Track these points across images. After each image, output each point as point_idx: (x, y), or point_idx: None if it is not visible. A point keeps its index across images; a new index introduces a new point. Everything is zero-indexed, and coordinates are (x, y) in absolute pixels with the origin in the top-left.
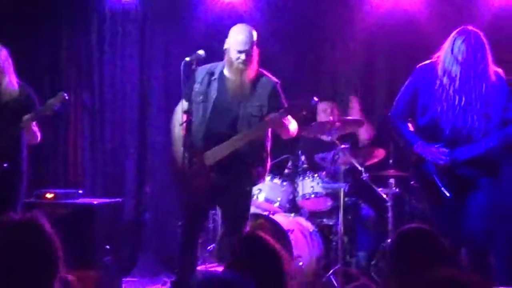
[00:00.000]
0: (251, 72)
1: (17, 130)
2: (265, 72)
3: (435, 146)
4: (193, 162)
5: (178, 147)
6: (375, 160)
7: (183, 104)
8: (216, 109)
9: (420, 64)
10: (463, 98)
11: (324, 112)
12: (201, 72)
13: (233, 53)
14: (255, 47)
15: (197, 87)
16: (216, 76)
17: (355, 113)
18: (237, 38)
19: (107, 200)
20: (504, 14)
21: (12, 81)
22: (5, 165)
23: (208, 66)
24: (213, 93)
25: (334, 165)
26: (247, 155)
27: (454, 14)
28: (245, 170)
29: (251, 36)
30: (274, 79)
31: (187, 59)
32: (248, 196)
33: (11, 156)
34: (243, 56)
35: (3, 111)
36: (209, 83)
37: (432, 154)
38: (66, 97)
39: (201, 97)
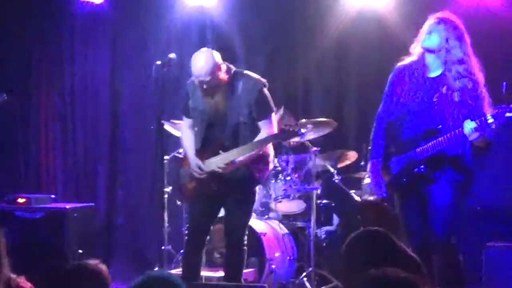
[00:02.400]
0: (222, 83)
1: None
2: (247, 73)
3: (381, 179)
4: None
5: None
6: (347, 162)
7: (186, 121)
8: (208, 120)
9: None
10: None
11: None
12: (190, 86)
13: (196, 79)
14: (217, 69)
15: (191, 103)
16: (198, 90)
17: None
18: (194, 67)
19: (80, 205)
20: (474, 16)
21: None
22: None
23: (194, 79)
24: (202, 106)
25: (298, 170)
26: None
27: (425, 16)
28: (247, 170)
29: (207, 63)
30: (260, 80)
31: (159, 62)
32: (251, 195)
33: None
34: (204, 84)
35: None
36: (198, 97)
37: (373, 183)
38: (5, 98)
39: (196, 112)
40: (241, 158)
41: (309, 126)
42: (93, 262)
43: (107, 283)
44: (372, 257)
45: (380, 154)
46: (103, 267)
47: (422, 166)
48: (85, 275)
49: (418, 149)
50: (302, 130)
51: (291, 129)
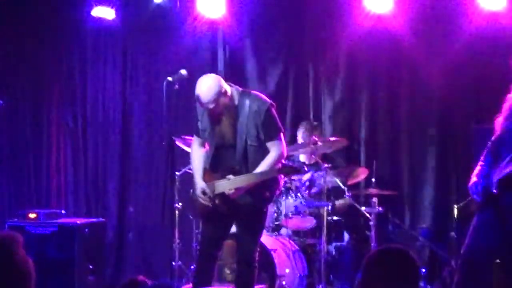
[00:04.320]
0: (228, 108)
1: None
2: (254, 93)
3: None
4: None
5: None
6: (358, 179)
7: (196, 140)
8: (217, 143)
9: None
10: None
11: (307, 130)
12: (199, 109)
13: (200, 105)
14: (221, 95)
15: (200, 124)
16: (207, 113)
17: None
18: (198, 95)
19: (90, 220)
20: (485, 34)
21: None
22: None
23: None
24: (210, 129)
25: (309, 189)
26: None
27: (437, 33)
28: (257, 190)
29: (211, 90)
30: (266, 101)
31: (169, 78)
32: (262, 213)
33: None
34: (210, 108)
35: None
36: (206, 120)
37: None
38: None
39: (205, 134)
40: (248, 185)
41: (320, 144)
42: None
43: None
44: (392, 275)
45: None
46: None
47: None
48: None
49: None
50: (305, 168)
51: (294, 166)
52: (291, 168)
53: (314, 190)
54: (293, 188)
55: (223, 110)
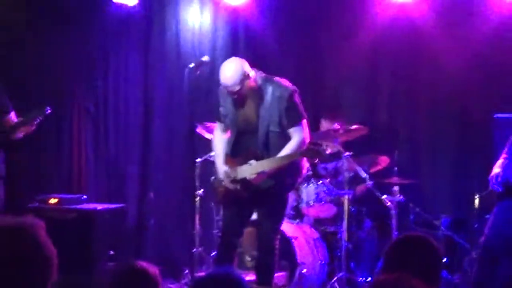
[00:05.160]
0: (252, 91)
1: None
2: (277, 79)
3: None
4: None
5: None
6: (379, 167)
7: (218, 125)
8: (240, 128)
9: None
10: None
11: (329, 118)
12: (222, 93)
13: (224, 89)
14: (245, 78)
15: (222, 110)
16: (230, 98)
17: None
18: (223, 77)
19: (111, 206)
20: (508, 24)
21: None
22: None
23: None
24: (233, 114)
25: (336, 177)
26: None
27: (459, 22)
28: (279, 177)
29: (236, 73)
30: (289, 87)
31: (191, 65)
32: (283, 199)
33: None
34: (233, 94)
35: None
36: (229, 105)
37: None
38: (48, 111)
39: (227, 119)
40: (271, 169)
41: (341, 131)
42: (144, 264)
43: (158, 285)
44: (413, 262)
45: None
46: (155, 269)
47: None
48: (137, 276)
49: None
50: (328, 151)
51: (317, 149)
52: (314, 151)
53: (339, 178)
54: (318, 175)
55: (248, 93)
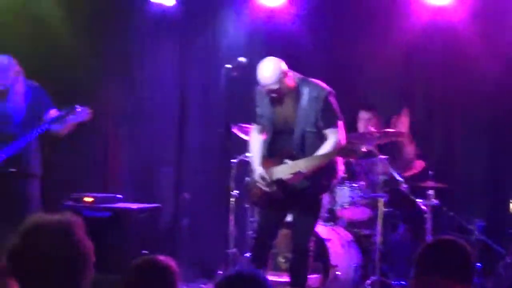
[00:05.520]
0: (289, 91)
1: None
2: (313, 81)
3: None
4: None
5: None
6: (415, 171)
7: (255, 127)
8: (276, 128)
9: None
10: None
11: (364, 121)
12: (258, 94)
13: (263, 88)
14: (283, 76)
15: (258, 110)
16: (267, 99)
17: (403, 126)
18: (261, 76)
19: (145, 206)
20: None
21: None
22: (12, 169)
23: (261, 88)
24: (270, 114)
25: (368, 174)
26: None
27: (495, 26)
28: (315, 178)
29: (275, 71)
30: (326, 88)
31: (228, 66)
32: (318, 202)
33: (19, 160)
34: (271, 92)
35: (13, 118)
36: (266, 105)
37: None
38: (78, 109)
39: (264, 120)
40: (307, 169)
41: (377, 135)
42: (162, 257)
43: (175, 278)
44: (445, 266)
45: None
46: (172, 262)
47: None
48: (154, 269)
49: None
50: (363, 149)
51: (352, 148)
52: (350, 149)
53: (371, 176)
54: (353, 177)
55: (286, 92)
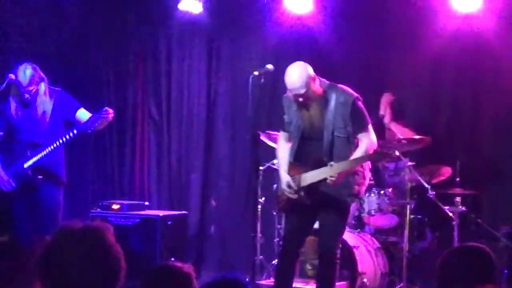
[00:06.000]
0: (317, 96)
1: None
2: (340, 86)
3: None
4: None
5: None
6: (442, 178)
7: (282, 134)
8: (304, 134)
9: None
10: None
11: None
12: (286, 101)
13: (290, 92)
14: (311, 81)
15: (286, 118)
16: (294, 105)
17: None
18: (288, 81)
19: (173, 213)
20: None
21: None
22: (39, 176)
23: (289, 93)
24: (297, 121)
25: (395, 181)
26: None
27: None
28: (343, 185)
29: (302, 75)
30: (352, 94)
31: (256, 73)
32: (346, 209)
33: (46, 168)
34: (299, 97)
35: (39, 125)
36: (293, 112)
37: None
38: (106, 111)
39: (291, 127)
40: (344, 172)
41: (404, 142)
42: (179, 263)
43: (193, 284)
44: (468, 272)
45: None
46: (190, 269)
47: None
48: (172, 275)
49: None
50: (396, 153)
51: (386, 152)
52: (383, 153)
53: (398, 183)
54: (379, 179)
55: (313, 97)
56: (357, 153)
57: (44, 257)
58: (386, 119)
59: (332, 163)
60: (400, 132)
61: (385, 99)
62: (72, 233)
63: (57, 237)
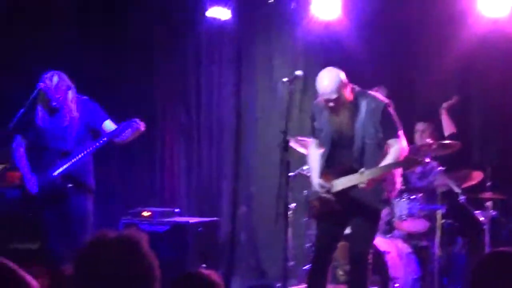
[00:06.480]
0: (348, 102)
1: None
2: (371, 93)
3: None
4: (323, 191)
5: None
6: (472, 182)
7: (313, 141)
8: (334, 140)
9: None
10: None
11: (421, 132)
12: (316, 108)
13: (322, 98)
14: (342, 86)
15: (316, 124)
16: (325, 111)
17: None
18: (320, 86)
19: (203, 219)
20: None
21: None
22: (69, 185)
23: (319, 99)
24: (328, 126)
25: (422, 178)
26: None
27: None
28: (374, 191)
29: (334, 81)
30: (383, 100)
31: (285, 79)
32: (377, 215)
33: (75, 176)
34: (330, 102)
35: (67, 133)
36: (324, 118)
37: None
38: (135, 123)
39: (321, 133)
40: (368, 180)
41: (434, 147)
42: (206, 271)
43: None
44: (502, 279)
45: None
46: (218, 277)
47: None
48: (198, 283)
49: None
50: (426, 160)
51: (416, 158)
52: (413, 159)
53: (429, 187)
54: (409, 185)
55: (344, 103)
56: (388, 160)
57: (79, 267)
58: (445, 104)
59: (362, 169)
60: (447, 124)
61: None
62: (107, 243)
63: (91, 247)
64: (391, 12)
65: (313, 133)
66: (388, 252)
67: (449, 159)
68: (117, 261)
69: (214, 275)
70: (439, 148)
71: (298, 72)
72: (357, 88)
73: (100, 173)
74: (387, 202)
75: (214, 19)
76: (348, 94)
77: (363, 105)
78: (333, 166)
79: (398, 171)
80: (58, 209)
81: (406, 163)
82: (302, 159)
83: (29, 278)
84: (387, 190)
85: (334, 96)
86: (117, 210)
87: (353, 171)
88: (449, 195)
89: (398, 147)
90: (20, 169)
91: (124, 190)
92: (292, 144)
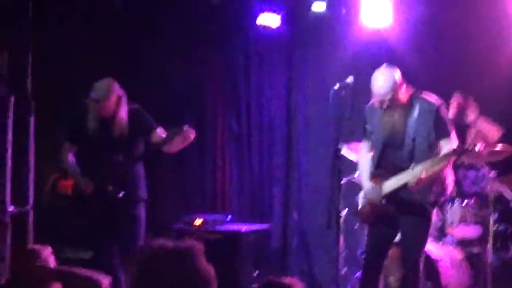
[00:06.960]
0: (402, 103)
1: (130, 160)
2: (424, 95)
3: None
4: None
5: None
6: None
7: (364, 144)
8: (386, 141)
9: None
10: None
11: (471, 138)
12: (368, 111)
13: (376, 98)
14: (397, 87)
15: (368, 127)
16: (378, 113)
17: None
18: (375, 86)
19: (255, 227)
20: None
21: (122, 114)
22: (120, 194)
23: (373, 100)
24: (379, 128)
25: (475, 184)
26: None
27: None
28: (424, 194)
29: (389, 81)
30: (436, 102)
31: (336, 86)
32: (428, 217)
33: (127, 185)
34: (385, 102)
35: (117, 142)
36: (376, 121)
37: None
38: (185, 129)
39: (373, 136)
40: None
41: (484, 154)
42: (287, 278)
43: None
44: None
45: None
46: (299, 283)
47: None
48: None
49: None
50: (476, 148)
51: (465, 147)
52: (463, 149)
53: (477, 188)
54: (461, 190)
55: (398, 103)
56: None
57: (137, 276)
58: (470, 118)
59: (413, 164)
60: (488, 128)
61: (455, 100)
62: (162, 253)
63: (147, 257)
64: (443, 17)
65: (365, 136)
66: (440, 259)
67: (501, 162)
68: (176, 271)
69: (297, 283)
70: (490, 155)
71: (349, 79)
72: (412, 88)
73: (151, 180)
74: (436, 204)
75: (265, 26)
76: (402, 94)
77: (417, 106)
78: (383, 168)
79: (450, 175)
80: (110, 218)
81: (455, 152)
82: (354, 166)
83: None
84: (435, 192)
85: (388, 96)
86: (169, 217)
87: (403, 171)
88: (501, 200)
89: (449, 147)
90: (71, 173)
91: (176, 197)
92: (343, 151)
